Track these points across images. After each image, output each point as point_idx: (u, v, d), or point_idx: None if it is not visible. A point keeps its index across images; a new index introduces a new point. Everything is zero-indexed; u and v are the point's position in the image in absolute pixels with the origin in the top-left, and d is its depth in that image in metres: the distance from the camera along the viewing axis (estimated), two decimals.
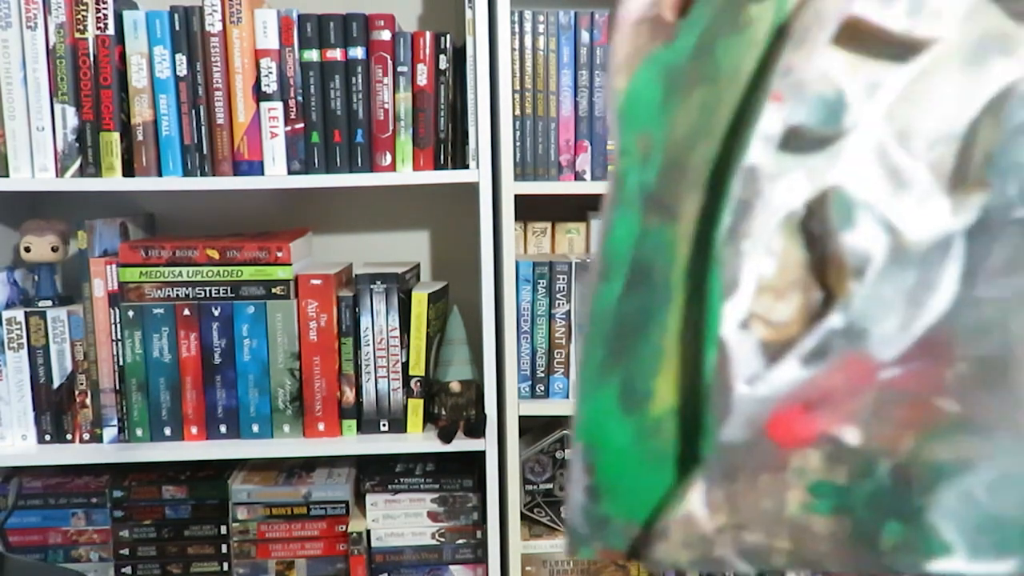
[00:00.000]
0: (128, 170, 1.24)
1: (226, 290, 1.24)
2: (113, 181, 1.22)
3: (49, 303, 1.28)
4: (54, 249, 1.30)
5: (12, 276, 1.31)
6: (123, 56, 1.22)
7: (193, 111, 1.22)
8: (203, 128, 1.23)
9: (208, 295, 1.24)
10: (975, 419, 0.24)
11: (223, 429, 1.27)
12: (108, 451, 1.24)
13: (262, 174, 1.24)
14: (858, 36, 0.26)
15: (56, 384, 1.27)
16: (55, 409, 1.27)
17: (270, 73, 1.22)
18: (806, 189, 0.26)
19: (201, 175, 1.24)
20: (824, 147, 0.26)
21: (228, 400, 1.26)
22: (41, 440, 1.28)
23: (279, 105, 1.23)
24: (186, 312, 1.24)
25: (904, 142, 0.26)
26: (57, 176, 1.22)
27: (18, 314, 1.25)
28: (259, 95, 1.23)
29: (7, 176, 1.21)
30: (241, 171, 1.24)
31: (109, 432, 1.26)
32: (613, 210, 0.28)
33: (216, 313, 1.24)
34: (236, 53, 1.21)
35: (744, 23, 0.26)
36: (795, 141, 0.26)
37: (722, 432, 0.25)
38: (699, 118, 0.26)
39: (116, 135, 1.22)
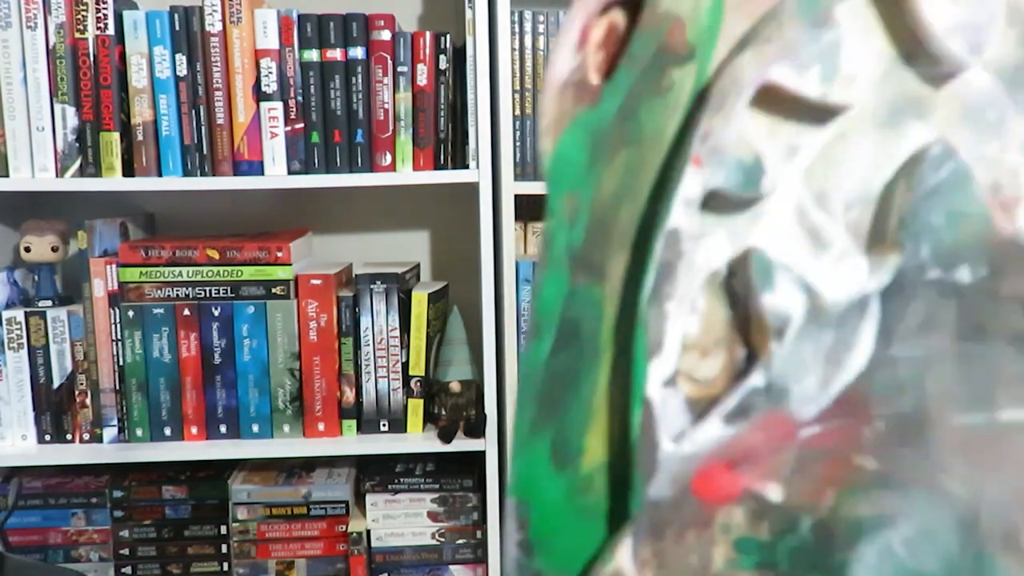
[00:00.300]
0: (128, 170, 1.24)
1: (226, 290, 1.24)
2: (113, 181, 1.22)
3: (49, 303, 1.28)
4: (54, 249, 1.30)
5: (12, 276, 1.31)
6: (123, 56, 1.22)
7: (193, 111, 1.22)
8: (203, 128, 1.23)
9: (208, 295, 1.24)
10: (892, 475, 0.24)
11: (223, 429, 1.27)
12: (108, 451, 1.24)
13: (262, 174, 1.24)
14: (775, 101, 0.26)
15: (56, 384, 1.27)
16: (55, 409, 1.27)
17: (270, 73, 1.22)
18: (728, 249, 0.26)
19: (201, 175, 1.24)
20: (744, 209, 0.26)
21: (228, 400, 1.26)
22: (41, 440, 1.28)
23: (279, 105, 1.23)
24: (186, 312, 1.24)
25: (822, 203, 0.27)
26: (57, 176, 1.22)
27: (18, 314, 1.25)
28: (259, 95, 1.23)
29: (7, 176, 1.21)
30: (241, 171, 1.24)
31: (109, 432, 1.26)
32: (542, 270, 0.28)
33: (216, 313, 1.24)
34: (236, 53, 1.21)
35: (666, 87, 0.26)
36: (715, 203, 0.26)
37: (649, 489, 0.25)
38: (624, 180, 0.27)
39: (116, 135, 1.22)
